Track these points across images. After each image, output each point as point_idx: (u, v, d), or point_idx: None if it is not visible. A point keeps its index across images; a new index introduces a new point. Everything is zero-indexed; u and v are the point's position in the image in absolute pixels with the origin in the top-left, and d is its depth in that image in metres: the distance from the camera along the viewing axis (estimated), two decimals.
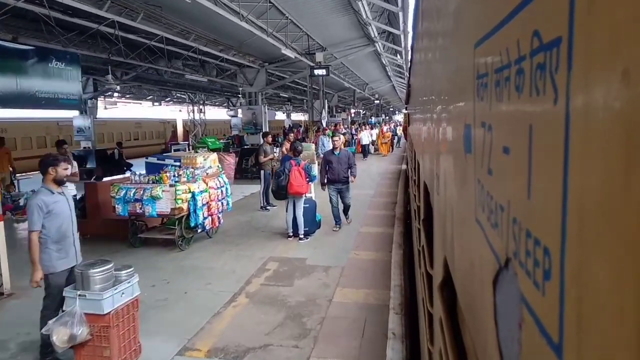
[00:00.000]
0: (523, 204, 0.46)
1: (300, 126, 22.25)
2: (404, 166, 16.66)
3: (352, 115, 33.97)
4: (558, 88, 0.35)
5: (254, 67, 16.60)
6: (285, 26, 12.11)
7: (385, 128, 26.66)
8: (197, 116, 29.42)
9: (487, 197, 0.64)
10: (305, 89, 20.42)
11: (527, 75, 0.43)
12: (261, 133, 12.89)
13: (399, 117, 64.79)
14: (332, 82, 24.88)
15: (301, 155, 7.04)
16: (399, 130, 32.11)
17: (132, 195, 6.75)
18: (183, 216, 6.75)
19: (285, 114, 42.21)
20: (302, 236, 7.24)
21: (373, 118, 42.15)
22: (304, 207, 7.31)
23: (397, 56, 18.71)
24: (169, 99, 29.59)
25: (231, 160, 11.57)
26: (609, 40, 0.28)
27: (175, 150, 15.83)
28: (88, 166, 15.33)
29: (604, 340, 0.29)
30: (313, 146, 12.74)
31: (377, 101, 40.78)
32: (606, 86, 0.28)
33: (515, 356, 0.49)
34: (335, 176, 7.73)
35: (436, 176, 1.63)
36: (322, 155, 11.76)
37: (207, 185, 7.26)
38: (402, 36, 12.70)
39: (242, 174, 14.54)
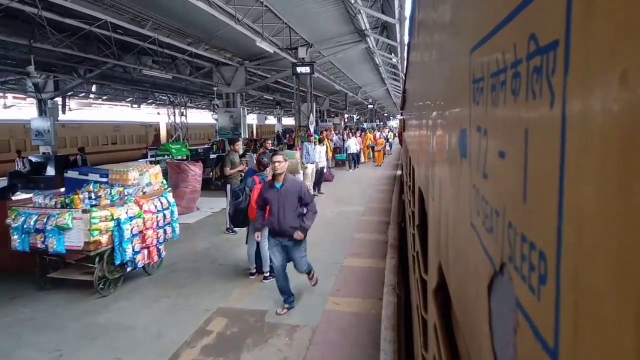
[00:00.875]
0: (519, 208, 0.46)
1: (293, 131, 21.08)
2: (399, 172, 16.17)
3: (345, 120, 32.94)
4: (555, 91, 0.35)
5: (231, 64, 14.81)
6: (261, 15, 10.58)
7: (377, 134, 25.30)
8: (178, 119, 27.54)
9: (482, 202, 0.64)
10: (292, 91, 18.69)
11: (524, 78, 0.43)
12: (227, 140, 10.85)
13: (394, 123, 64.68)
14: (323, 85, 23.38)
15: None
16: (391, 137, 31.43)
17: (32, 223, 4.95)
18: (105, 251, 5.06)
19: (276, 118, 40.35)
20: (267, 274, 5.57)
21: (366, 124, 40.89)
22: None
23: (391, 55, 17.19)
24: (151, 100, 27.86)
25: (197, 170, 9.92)
26: (607, 43, 0.28)
27: (151, 156, 14.61)
28: (48, 174, 13.43)
29: (600, 345, 0.29)
30: (297, 154, 11.33)
31: (371, 105, 39.55)
32: (603, 89, 0.28)
33: None
34: (276, 224, 4.59)
35: (431, 181, 1.64)
36: (306, 164, 11.44)
37: (140, 208, 5.45)
38: (397, 26, 10.79)
39: (211, 185, 13.05)
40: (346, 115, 33.66)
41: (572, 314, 0.32)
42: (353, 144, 19.07)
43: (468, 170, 0.77)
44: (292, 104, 19.26)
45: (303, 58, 13.50)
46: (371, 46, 14.41)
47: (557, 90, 0.35)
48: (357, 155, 19.73)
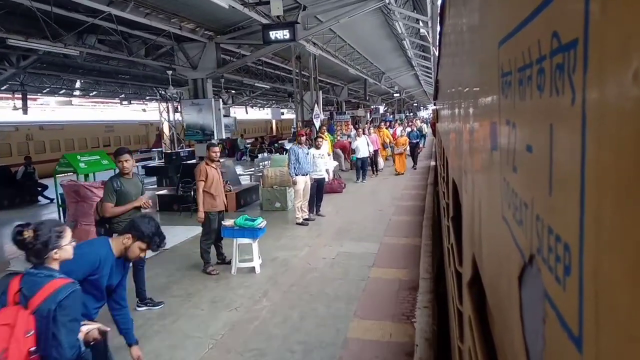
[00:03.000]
0: (545, 201, 0.47)
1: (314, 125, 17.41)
2: (433, 162, 14.87)
3: (371, 111, 28.73)
4: (575, 88, 0.37)
5: (198, 39, 10.56)
6: None
7: (399, 130, 19.44)
8: (172, 116, 20.73)
9: (512, 195, 0.65)
10: (296, 77, 14.32)
11: (547, 75, 0.44)
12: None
13: (425, 113, 59.15)
14: (337, 71, 19.60)
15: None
16: (426, 128, 26.02)
17: None
18: None
19: (293, 112, 36.77)
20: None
21: (392, 115, 36.03)
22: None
23: (418, 24, 13.01)
24: (148, 96, 23.81)
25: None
26: (622, 42, 0.29)
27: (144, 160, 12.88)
28: None
29: (621, 333, 0.30)
30: (287, 159, 8.76)
31: (397, 94, 33.88)
32: (619, 87, 0.29)
33: (540, 351, 0.50)
34: None
35: (464, 173, 1.63)
36: (295, 177, 8.20)
37: None
38: None
39: (180, 204, 9.58)
40: (373, 107, 29.80)
41: (594, 303, 0.34)
42: (363, 145, 13.12)
43: (499, 163, 0.78)
44: (292, 94, 16.14)
45: (279, 17, 8.96)
46: (392, 7, 10.55)
47: (578, 87, 0.36)
48: (372, 159, 14.29)
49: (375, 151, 14.60)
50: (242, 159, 23.69)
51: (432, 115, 30.96)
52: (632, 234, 0.28)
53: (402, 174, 14.70)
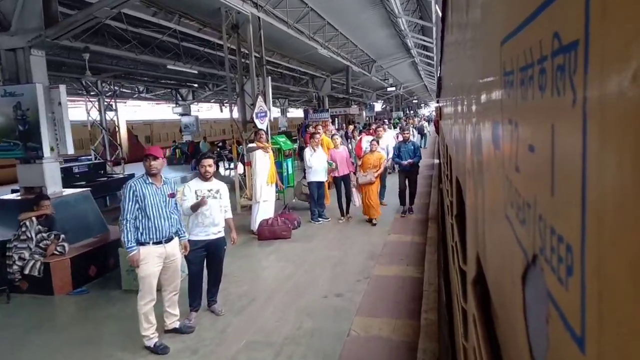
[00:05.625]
0: (547, 201, 0.47)
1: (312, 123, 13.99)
2: (436, 160, 14.10)
3: (364, 109, 24.17)
4: (576, 89, 0.37)
5: None
6: None
7: (365, 142, 10.24)
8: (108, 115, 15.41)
9: (515, 194, 0.65)
10: (231, 56, 9.65)
11: (549, 75, 0.44)
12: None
13: (426, 111, 54.95)
14: (318, 58, 15.44)
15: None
16: (428, 128, 21.74)
17: None
18: None
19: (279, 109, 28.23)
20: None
21: (387, 114, 29.54)
22: None
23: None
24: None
25: None
26: (622, 44, 0.29)
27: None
28: None
29: (624, 333, 0.30)
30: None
31: (392, 88, 27.64)
32: (619, 88, 0.29)
33: (544, 351, 0.50)
34: None
35: (467, 171, 1.62)
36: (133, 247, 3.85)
37: None
38: None
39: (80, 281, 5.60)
40: (376, 104, 24.71)
41: (597, 303, 0.34)
42: (318, 161, 8.26)
43: (501, 162, 0.78)
44: (233, 80, 10.10)
45: None
46: None
47: (578, 88, 0.36)
48: (339, 190, 8.53)
49: (345, 176, 8.38)
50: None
51: (434, 112, 30.14)
52: (634, 234, 0.29)
53: (374, 221, 8.08)
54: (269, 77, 9.93)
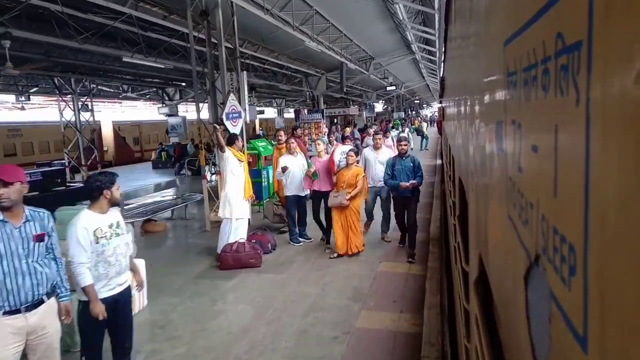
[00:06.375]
0: (550, 202, 0.47)
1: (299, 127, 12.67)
2: (439, 160, 13.80)
3: (366, 110, 22.39)
4: (579, 90, 0.37)
5: None
6: None
7: (339, 153, 6.80)
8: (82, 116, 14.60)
9: (518, 195, 0.65)
10: (197, 46, 8.48)
11: (552, 75, 0.45)
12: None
13: (428, 112, 54.68)
14: (311, 54, 14.25)
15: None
16: (426, 130, 20.03)
17: None
18: None
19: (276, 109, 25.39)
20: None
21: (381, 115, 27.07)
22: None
23: None
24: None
25: None
26: (625, 45, 0.29)
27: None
28: None
29: (626, 333, 0.30)
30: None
31: (392, 87, 25.56)
32: (622, 89, 0.29)
33: (546, 351, 0.50)
34: None
35: (470, 172, 1.62)
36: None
37: None
38: None
39: None
40: (376, 104, 22.41)
41: (599, 303, 0.34)
42: (295, 171, 6.97)
43: (504, 163, 0.78)
44: (202, 74, 9.04)
45: None
46: None
47: (582, 88, 0.36)
48: (317, 212, 6.96)
49: (324, 193, 6.68)
50: (181, 173, 16.38)
51: (437, 113, 30.06)
52: (636, 234, 0.29)
53: (358, 254, 6.25)
54: (244, 72, 8.51)
